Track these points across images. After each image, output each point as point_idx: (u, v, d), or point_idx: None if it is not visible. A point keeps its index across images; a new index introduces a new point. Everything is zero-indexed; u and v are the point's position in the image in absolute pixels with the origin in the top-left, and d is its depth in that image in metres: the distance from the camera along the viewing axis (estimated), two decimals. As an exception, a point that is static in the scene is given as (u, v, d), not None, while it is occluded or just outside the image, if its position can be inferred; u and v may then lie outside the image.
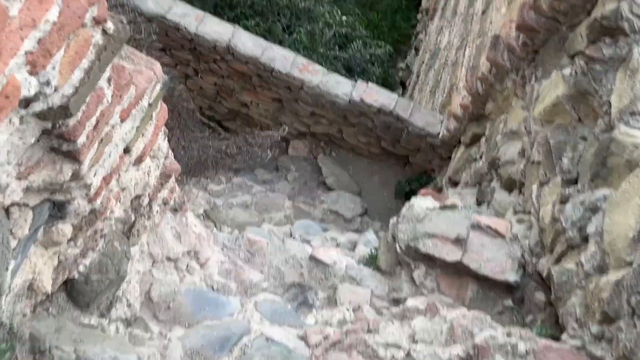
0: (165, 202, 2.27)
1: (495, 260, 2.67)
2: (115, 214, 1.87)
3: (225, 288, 2.40)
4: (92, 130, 1.46)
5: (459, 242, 2.72)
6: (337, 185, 5.25)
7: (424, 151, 5.14)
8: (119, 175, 1.77)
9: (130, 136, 1.73)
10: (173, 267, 2.26)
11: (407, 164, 5.45)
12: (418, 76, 8.73)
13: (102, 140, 1.56)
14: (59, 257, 1.68)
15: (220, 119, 5.80)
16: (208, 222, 3.68)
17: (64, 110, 1.30)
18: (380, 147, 5.32)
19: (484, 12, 5.70)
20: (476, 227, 2.78)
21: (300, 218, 4.78)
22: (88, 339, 1.65)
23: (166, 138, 2.13)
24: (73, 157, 1.43)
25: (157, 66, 1.81)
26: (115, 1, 4.81)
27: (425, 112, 5.00)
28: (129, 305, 1.99)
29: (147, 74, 1.75)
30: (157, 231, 2.24)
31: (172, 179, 2.24)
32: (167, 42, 5.03)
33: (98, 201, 1.67)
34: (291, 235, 4.09)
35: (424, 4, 10.43)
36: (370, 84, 5.01)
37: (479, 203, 3.74)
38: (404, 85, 9.65)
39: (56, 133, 1.35)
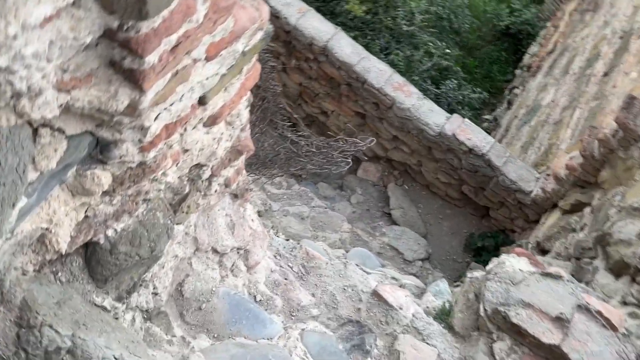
0: (227, 184, 1.88)
1: (601, 356, 2.11)
2: (168, 178, 1.49)
3: (269, 302, 1.97)
4: (169, 52, 1.08)
5: (560, 322, 2.17)
6: (402, 220, 4.76)
7: (508, 207, 4.58)
8: (185, 129, 1.39)
9: (211, 83, 1.35)
10: (217, 262, 1.85)
11: (485, 216, 4.89)
12: (507, 130, 8.17)
13: (177, 73, 1.18)
14: (86, 211, 1.30)
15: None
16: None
17: (139, 4, 0.92)
18: (460, 191, 4.80)
19: (606, 74, 5.13)
20: (583, 309, 2.23)
21: (357, 245, 4.32)
22: (94, 324, 1.26)
23: (248, 106, 1.75)
24: (135, 80, 1.05)
25: (265, 8, 1.44)
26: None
27: (520, 165, 4.46)
28: (155, 294, 1.59)
29: (251, 12, 1.37)
30: (210, 214, 1.84)
31: (242, 158, 1.84)
32: (264, 29, 4.75)
33: (152, 153, 1.29)
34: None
35: (526, 59, 9.89)
36: (466, 120, 4.53)
37: (573, 280, 3.15)
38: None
39: (121, 38, 0.98)
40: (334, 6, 7.00)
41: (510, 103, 9.23)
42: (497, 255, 4.55)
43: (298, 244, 2.34)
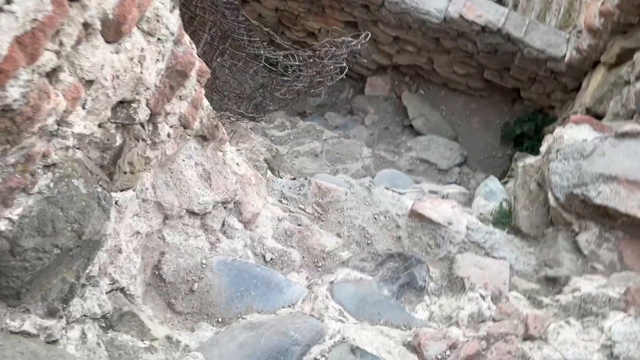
0: (184, 124, 1.41)
1: None
2: (76, 128, 1.02)
3: (283, 259, 1.53)
4: None
5: (656, 188, 1.68)
6: (426, 128, 4.24)
7: (541, 82, 3.99)
8: (62, 44, 0.90)
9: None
10: (199, 227, 1.41)
11: (517, 100, 4.32)
12: (516, 6, 7.40)
13: None
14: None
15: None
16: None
17: None
18: (483, 79, 4.22)
19: None
20: (682, 164, 1.73)
21: (382, 169, 3.84)
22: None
23: (176, 7, 1.24)
24: None
25: None
26: None
27: (544, 30, 3.83)
28: (117, 290, 1.16)
29: None
30: (173, 168, 1.38)
31: (192, 84, 1.36)
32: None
33: (10, 89, 0.82)
34: (374, 187, 3.17)
35: None
36: (471, -5, 3.89)
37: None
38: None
39: None
40: None
41: (512, -24, 8.37)
42: (539, 140, 4.01)
43: (306, 179, 1.87)
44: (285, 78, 2.08)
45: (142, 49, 1.13)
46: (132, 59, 1.11)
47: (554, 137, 2.08)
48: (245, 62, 2.04)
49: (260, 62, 2.00)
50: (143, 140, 1.25)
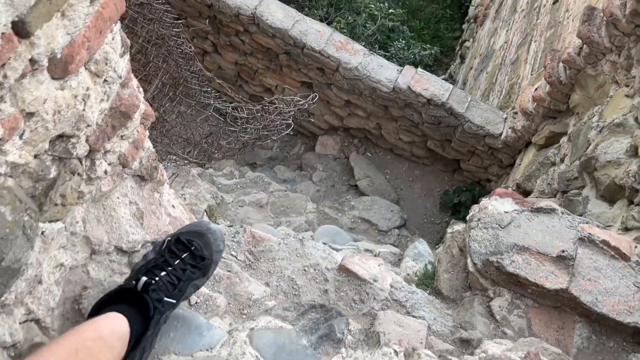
0: (123, 162, 1.45)
1: (617, 292, 1.77)
2: (10, 157, 1.05)
3: (209, 304, 1.55)
4: None
5: (563, 261, 1.82)
6: (370, 190, 4.39)
7: (479, 155, 4.25)
8: (6, 76, 0.95)
9: (28, 1, 0.92)
10: (126, 264, 1.42)
11: (457, 170, 4.56)
12: (465, 83, 7.91)
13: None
14: None
15: (240, 107, 5.02)
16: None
17: None
18: (426, 147, 4.45)
19: (555, 1, 4.84)
20: (587, 241, 1.88)
21: (325, 224, 3.93)
22: None
23: (126, 53, 1.32)
24: None
25: None
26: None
27: (484, 108, 4.12)
28: (31, 321, 1.16)
29: None
30: (106, 205, 1.41)
31: (134, 125, 1.42)
32: (183, 7, 4.29)
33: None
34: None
35: (471, 12, 9.65)
36: (419, 69, 4.17)
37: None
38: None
39: None
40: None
41: (463, 57, 8.97)
42: (476, 209, 4.22)
43: (241, 227, 1.92)
44: (233, 129, 2.16)
45: (87, 88, 1.19)
46: (76, 96, 1.17)
47: (479, 207, 2.23)
48: (195, 110, 2.11)
49: (209, 112, 2.08)
50: (79, 174, 1.29)
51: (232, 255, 1.81)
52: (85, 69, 1.19)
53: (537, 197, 3.19)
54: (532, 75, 4.47)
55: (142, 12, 1.73)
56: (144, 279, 1.28)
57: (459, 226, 2.36)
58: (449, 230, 2.42)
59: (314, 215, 3.96)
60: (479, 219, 1.96)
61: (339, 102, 4.42)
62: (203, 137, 2.15)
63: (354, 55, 4.13)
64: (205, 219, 1.94)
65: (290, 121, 2.25)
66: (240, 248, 1.84)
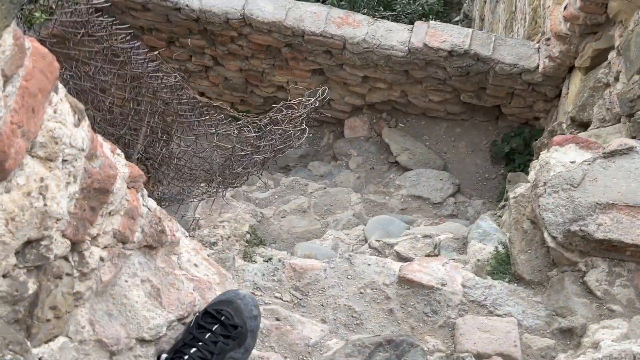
0: (122, 240, 1.25)
1: None
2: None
3: (262, 366, 1.34)
4: None
5: (661, 209, 1.51)
6: (413, 162, 4.09)
7: (520, 95, 3.87)
8: None
9: None
10: (153, 354, 1.23)
11: (500, 117, 4.19)
12: (483, 20, 7.40)
13: None
14: None
15: (258, 113, 4.81)
16: (250, 249, 2.68)
17: None
18: (461, 102, 4.10)
19: None
20: (683, 177, 1.56)
21: (375, 214, 3.68)
22: None
23: (83, 119, 1.10)
24: None
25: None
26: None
27: (512, 43, 3.73)
28: None
29: None
30: (113, 294, 1.22)
31: (122, 194, 1.21)
32: (171, 29, 4.09)
33: None
34: (366, 240, 3.00)
35: (470, -59, 9.05)
36: (432, 22, 3.81)
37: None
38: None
39: None
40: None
41: (473, -8, 8.42)
42: (530, 154, 3.86)
43: (280, 261, 1.70)
44: (244, 152, 1.94)
45: (42, 179, 0.98)
46: (29, 193, 0.96)
47: (539, 164, 1.93)
48: (200, 143, 1.90)
49: (214, 142, 1.86)
50: (68, 275, 1.09)
51: (276, 297, 1.60)
52: (32, 157, 0.98)
53: (598, 128, 2.81)
54: (555, -8, 4.02)
55: (107, 57, 1.53)
56: (164, 356, 1.10)
57: (521, 188, 2.06)
58: (511, 195, 2.12)
59: (361, 206, 3.71)
60: (545, 183, 1.66)
61: (355, 80, 4.13)
62: (215, 171, 1.94)
63: (358, 28, 3.82)
64: (238, 262, 1.73)
65: (304, 126, 2.00)
66: (283, 287, 1.62)
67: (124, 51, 1.60)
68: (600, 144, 1.96)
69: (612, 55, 2.90)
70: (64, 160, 1.05)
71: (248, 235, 3.33)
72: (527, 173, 3.03)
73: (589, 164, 1.67)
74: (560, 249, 1.56)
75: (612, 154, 1.68)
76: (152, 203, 1.37)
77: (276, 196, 3.85)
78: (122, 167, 1.25)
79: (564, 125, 3.19)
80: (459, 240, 2.14)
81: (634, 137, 2.52)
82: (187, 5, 3.81)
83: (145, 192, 1.39)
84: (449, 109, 4.20)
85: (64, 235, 1.07)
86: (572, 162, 1.84)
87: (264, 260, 1.86)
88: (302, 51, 3.99)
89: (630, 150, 1.67)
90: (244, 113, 2.14)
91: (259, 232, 3.46)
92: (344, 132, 4.55)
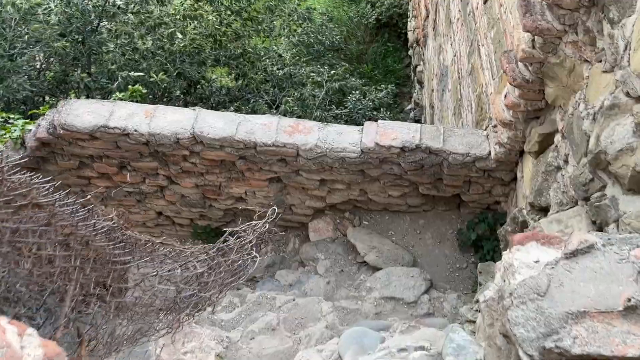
0: None
1: None
2: None
3: None
4: None
5: (634, 312, 1.41)
6: (381, 261, 3.98)
7: (477, 182, 3.88)
8: None
9: None
10: None
11: (461, 204, 4.17)
12: (433, 107, 7.69)
13: None
14: None
15: (219, 226, 4.69)
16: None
17: None
18: (420, 194, 4.08)
19: (485, 1, 4.64)
20: (650, 272, 1.48)
21: (348, 322, 3.49)
22: None
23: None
24: None
25: None
26: (48, 127, 3.90)
27: (462, 133, 3.80)
28: None
29: None
30: None
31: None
32: (122, 155, 4.03)
33: None
34: (341, 358, 2.80)
35: (411, 38, 9.64)
36: (380, 121, 3.87)
37: (598, 228, 2.43)
38: (419, 125, 8.65)
39: None
40: (201, 90, 6.43)
41: (420, 82, 8.83)
42: (497, 240, 3.80)
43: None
44: (190, 292, 1.80)
45: None
46: None
47: (503, 266, 1.84)
48: (142, 288, 1.76)
49: (156, 285, 1.72)
50: None
51: None
52: None
53: (558, 212, 2.79)
54: (494, 80, 4.19)
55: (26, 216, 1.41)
56: None
57: (490, 290, 1.95)
58: (481, 297, 2.01)
59: (333, 315, 3.53)
60: (510, 293, 1.56)
61: (313, 184, 4.09)
62: (159, 318, 1.78)
63: (309, 134, 3.84)
64: None
65: (255, 254, 1.89)
66: None
67: (47, 205, 1.49)
68: (562, 239, 1.89)
69: (557, 138, 2.95)
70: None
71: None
72: (496, 261, 2.95)
73: (552, 268, 1.58)
74: (539, 368, 1.43)
75: (574, 254, 1.60)
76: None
77: (243, 315, 3.64)
78: (34, 349, 1.09)
79: (524, 212, 3.17)
80: (434, 357, 1.98)
81: (594, 222, 2.48)
82: (135, 130, 3.79)
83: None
84: (409, 202, 4.17)
85: None
86: (536, 262, 1.75)
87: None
88: (256, 162, 3.96)
89: (591, 248, 1.60)
90: (190, 244, 2.03)
91: (227, 360, 3.22)
92: (309, 235, 4.45)
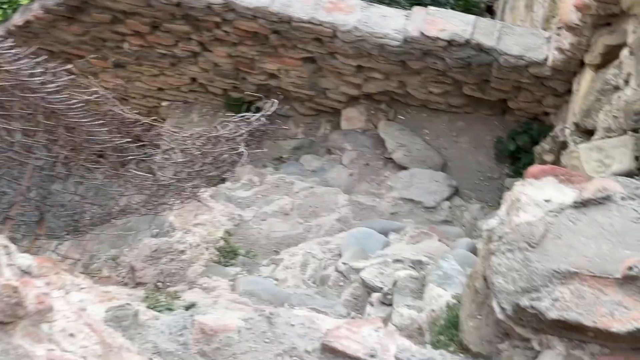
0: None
1: None
2: None
3: None
4: None
5: (633, 282, 1.22)
6: (408, 160, 3.80)
7: (527, 89, 3.50)
8: None
9: None
10: None
11: (506, 111, 3.83)
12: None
13: None
14: None
15: (252, 101, 4.55)
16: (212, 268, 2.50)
17: None
18: (463, 94, 3.76)
19: None
20: (668, 240, 1.26)
21: (362, 217, 3.43)
22: None
23: None
24: None
25: None
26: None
27: (520, 32, 3.35)
28: None
29: None
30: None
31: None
32: (154, 14, 3.85)
33: None
34: (340, 255, 2.77)
35: None
36: (431, 8, 3.46)
37: (638, 166, 2.13)
38: (491, 12, 7.82)
39: None
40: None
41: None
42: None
43: (191, 317, 1.50)
44: (168, 182, 1.72)
45: None
46: None
47: (510, 199, 1.64)
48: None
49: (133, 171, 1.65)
50: None
51: (180, 363, 1.40)
52: None
53: (602, 139, 2.47)
54: (574, -29, 3.58)
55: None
56: None
57: (495, 219, 1.78)
58: (484, 225, 1.86)
59: (348, 209, 3.47)
60: (500, 237, 1.39)
61: (349, 69, 3.83)
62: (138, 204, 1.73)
63: (350, 13, 3.50)
64: (142, 316, 1.52)
65: (242, 148, 1.76)
66: (188, 352, 1.41)
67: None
68: (585, 178, 1.65)
69: (623, 54, 2.53)
70: None
71: (222, 242, 3.15)
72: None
73: (555, 216, 1.38)
74: (511, 323, 1.30)
75: (585, 204, 1.38)
76: (8, 271, 1.17)
77: (259, 195, 3.64)
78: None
79: (567, 131, 2.84)
80: (419, 280, 1.88)
81: (637, 158, 2.18)
82: (166, -10, 3.56)
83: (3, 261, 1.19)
84: (450, 101, 3.86)
85: None
86: (547, 201, 1.55)
87: (170, 314, 1.65)
88: (290, 39, 3.70)
89: (607, 199, 1.37)
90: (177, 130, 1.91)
91: (236, 238, 3.27)
92: (341, 123, 4.27)
